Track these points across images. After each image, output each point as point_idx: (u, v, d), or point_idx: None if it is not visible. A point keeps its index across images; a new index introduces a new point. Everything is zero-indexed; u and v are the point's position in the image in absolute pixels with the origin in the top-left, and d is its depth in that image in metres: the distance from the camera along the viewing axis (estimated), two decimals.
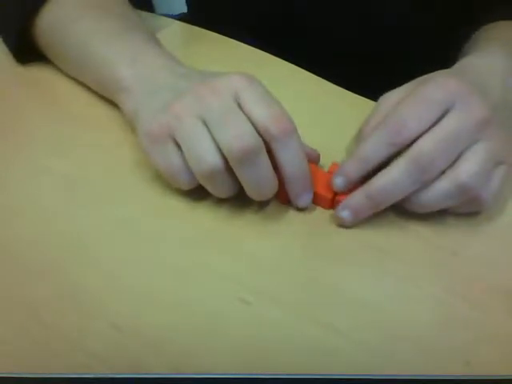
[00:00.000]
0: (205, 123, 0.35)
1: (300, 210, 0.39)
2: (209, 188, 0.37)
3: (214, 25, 0.54)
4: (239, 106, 0.35)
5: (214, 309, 0.34)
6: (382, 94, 0.45)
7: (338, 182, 0.37)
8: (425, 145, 0.35)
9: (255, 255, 0.36)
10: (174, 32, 0.54)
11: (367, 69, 0.57)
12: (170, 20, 0.55)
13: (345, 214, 0.37)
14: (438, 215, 0.38)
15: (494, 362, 0.32)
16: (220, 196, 0.37)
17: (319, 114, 0.46)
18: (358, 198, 0.37)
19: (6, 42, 0.48)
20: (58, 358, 0.31)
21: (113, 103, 0.44)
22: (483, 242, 0.37)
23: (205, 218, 0.38)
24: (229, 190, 0.37)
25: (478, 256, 0.37)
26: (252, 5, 0.58)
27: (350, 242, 0.37)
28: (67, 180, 0.40)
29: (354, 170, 0.37)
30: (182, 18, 0.59)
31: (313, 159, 0.40)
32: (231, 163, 0.35)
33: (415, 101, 0.36)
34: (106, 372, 0.30)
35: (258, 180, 0.35)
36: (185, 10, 0.71)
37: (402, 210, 0.37)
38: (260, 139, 0.35)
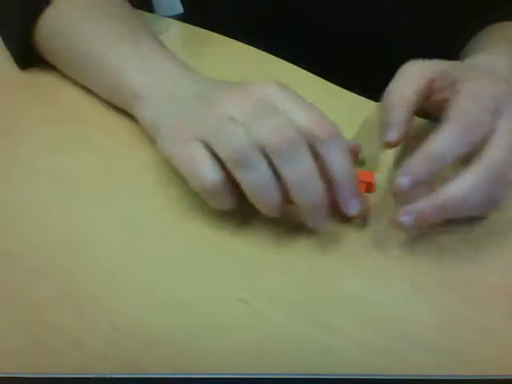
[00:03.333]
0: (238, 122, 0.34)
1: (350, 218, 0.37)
2: (242, 179, 0.33)
3: (213, 25, 0.54)
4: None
5: (213, 309, 0.34)
6: (382, 94, 0.45)
7: (405, 181, 0.34)
8: (498, 154, 0.33)
9: (255, 255, 0.36)
10: (174, 32, 0.54)
11: (367, 69, 0.57)
12: (169, 20, 0.55)
13: (407, 219, 0.34)
14: None
15: (494, 361, 0.32)
16: (266, 207, 0.34)
17: None
18: (424, 206, 0.34)
19: (8, 47, 0.47)
20: (58, 357, 0.31)
21: (114, 106, 0.43)
22: (483, 242, 0.37)
23: (205, 219, 0.38)
24: (271, 193, 0.33)
25: (478, 256, 0.36)
26: (251, 5, 0.58)
27: (350, 242, 0.37)
28: (67, 180, 0.40)
29: (424, 169, 0.34)
30: (181, 18, 0.59)
31: (354, 153, 0.39)
32: (272, 156, 0.33)
33: (477, 98, 0.34)
34: (105, 372, 0.30)
35: (304, 175, 0.33)
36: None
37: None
38: (301, 133, 0.33)
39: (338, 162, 0.34)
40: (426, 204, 0.34)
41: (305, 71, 0.49)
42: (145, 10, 0.54)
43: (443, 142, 0.34)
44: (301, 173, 0.33)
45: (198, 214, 0.38)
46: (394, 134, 0.36)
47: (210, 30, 0.53)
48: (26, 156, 0.42)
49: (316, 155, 0.34)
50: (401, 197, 0.35)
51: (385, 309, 0.34)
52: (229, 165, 0.33)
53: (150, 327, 0.33)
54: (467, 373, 0.31)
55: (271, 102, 0.34)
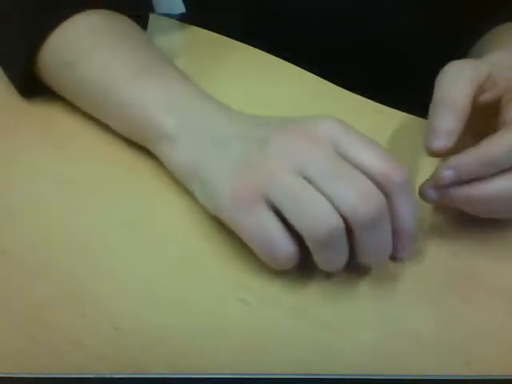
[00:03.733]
0: (308, 179, 0.30)
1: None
2: (322, 256, 0.31)
3: (214, 25, 0.54)
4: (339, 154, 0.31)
5: (214, 309, 0.34)
6: (382, 94, 0.45)
7: (448, 174, 0.32)
8: None
9: (256, 255, 0.36)
10: (174, 32, 0.54)
11: (367, 69, 0.57)
12: (169, 20, 0.55)
13: (432, 194, 0.33)
14: (437, 215, 0.38)
15: (494, 361, 0.32)
16: (330, 268, 0.32)
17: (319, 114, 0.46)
18: (457, 194, 0.33)
19: (9, 75, 0.44)
20: (58, 357, 0.31)
21: (121, 138, 0.41)
22: (483, 242, 0.37)
23: (205, 218, 0.38)
24: (342, 260, 0.32)
25: (478, 256, 0.36)
26: (251, 5, 0.58)
27: None
28: (67, 180, 0.40)
29: (474, 170, 0.32)
30: (181, 18, 0.59)
31: None
32: (356, 227, 0.30)
33: None
34: (105, 372, 0.30)
35: (383, 244, 0.31)
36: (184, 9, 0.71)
37: None
38: (385, 198, 0.30)
39: (408, 212, 0.31)
40: (458, 193, 0.33)
41: (305, 71, 0.49)
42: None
43: (506, 148, 0.32)
44: (379, 242, 0.31)
45: (199, 214, 0.38)
46: (440, 143, 0.33)
47: (210, 30, 0.53)
48: (26, 156, 0.42)
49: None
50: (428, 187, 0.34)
51: (385, 309, 0.34)
52: (309, 242, 0.30)
53: (150, 327, 0.33)
54: (467, 373, 0.31)
55: (337, 145, 0.31)
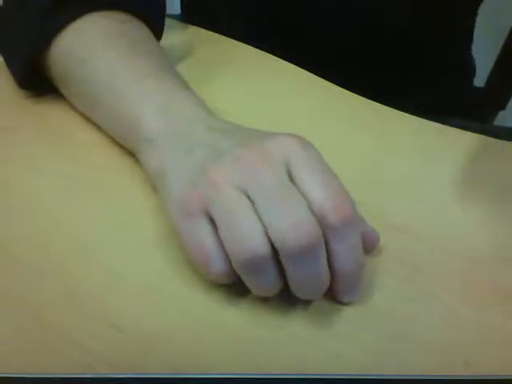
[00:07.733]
0: (249, 197, 0.29)
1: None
2: (248, 280, 0.30)
3: (214, 25, 0.54)
4: (290, 177, 0.30)
5: (213, 309, 0.34)
6: (382, 94, 0.45)
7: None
8: None
9: None
10: (174, 32, 0.54)
11: (367, 68, 0.57)
12: (169, 20, 0.55)
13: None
14: (436, 215, 0.38)
15: (494, 362, 0.32)
16: (260, 293, 0.31)
17: (319, 114, 0.46)
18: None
19: (11, 68, 0.44)
20: (58, 358, 0.31)
21: None
22: (483, 242, 0.37)
23: None
24: (272, 286, 0.31)
25: (477, 256, 0.36)
26: (251, 5, 0.58)
27: None
28: (68, 180, 0.40)
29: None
30: (181, 18, 0.59)
31: (370, 243, 0.34)
32: (282, 256, 0.29)
33: None
34: (105, 372, 0.30)
35: (312, 278, 0.30)
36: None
37: (397, 212, 0.37)
38: (320, 231, 0.29)
39: (347, 254, 0.30)
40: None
41: (305, 71, 0.49)
42: None
43: None
44: (310, 275, 0.30)
45: None
46: None
47: (210, 30, 0.53)
48: (26, 155, 0.42)
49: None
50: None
51: (385, 309, 0.34)
52: (237, 267, 0.30)
53: (151, 327, 0.33)
54: (467, 373, 0.31)
55: (290, 168, 0.30)
